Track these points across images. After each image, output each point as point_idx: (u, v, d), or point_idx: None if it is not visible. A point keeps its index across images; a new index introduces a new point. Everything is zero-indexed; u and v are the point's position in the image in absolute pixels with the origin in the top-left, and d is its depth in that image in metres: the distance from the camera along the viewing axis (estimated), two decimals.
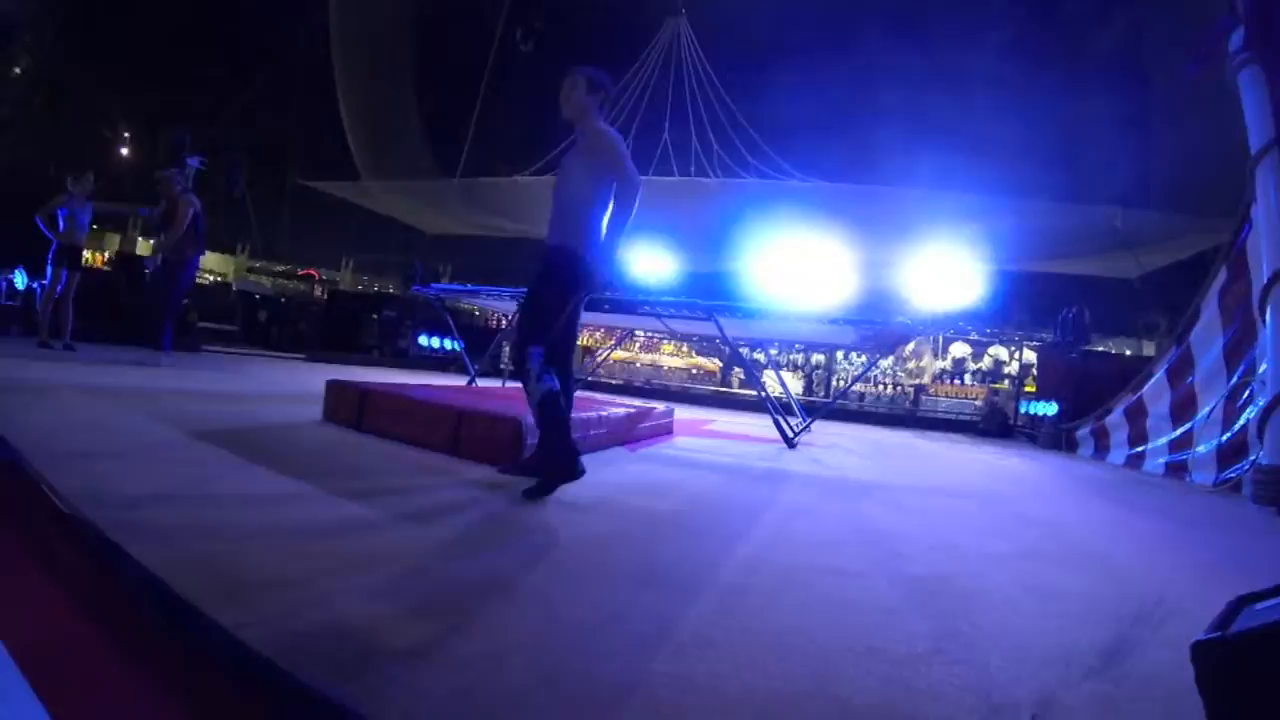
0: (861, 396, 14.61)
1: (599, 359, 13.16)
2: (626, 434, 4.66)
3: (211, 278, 23.22)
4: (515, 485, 2.75)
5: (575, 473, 2.59)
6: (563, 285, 2.76)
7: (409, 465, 3.02)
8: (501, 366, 10.38)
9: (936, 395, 14.57)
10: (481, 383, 7.45)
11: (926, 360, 15.70)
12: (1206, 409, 5.93)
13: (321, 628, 1.24)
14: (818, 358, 16.17)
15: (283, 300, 16.19)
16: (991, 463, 6.61)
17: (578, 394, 7.89)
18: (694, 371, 16.02)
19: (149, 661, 0.60)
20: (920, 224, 12.00)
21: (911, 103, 15.77)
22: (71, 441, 2.56)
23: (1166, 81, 12.13)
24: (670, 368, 15.93)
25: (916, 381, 15.22)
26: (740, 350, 9.11)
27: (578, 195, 2.79)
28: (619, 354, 14.14)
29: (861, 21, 15.99)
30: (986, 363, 15.83)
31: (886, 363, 14.83)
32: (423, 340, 13.58)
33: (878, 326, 6.90)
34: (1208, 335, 6.22)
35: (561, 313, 2.75)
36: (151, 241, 12.98)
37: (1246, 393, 5.44)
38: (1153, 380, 6.98)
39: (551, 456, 2.61)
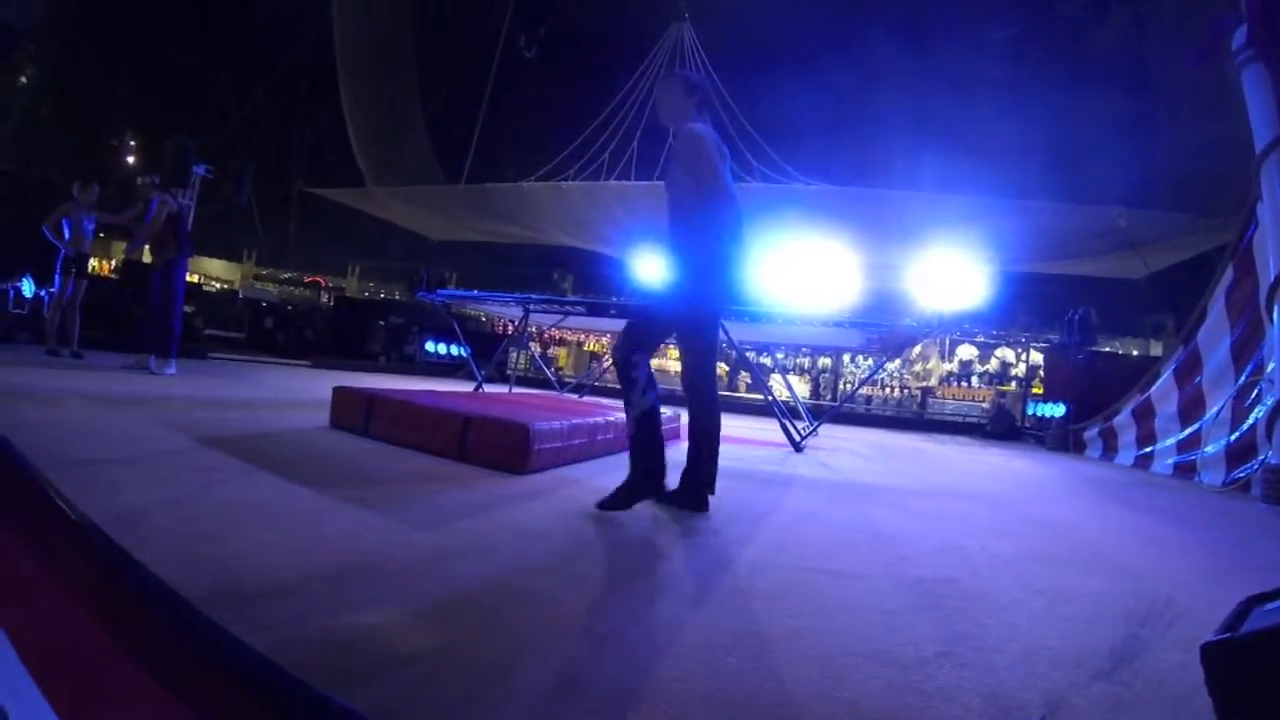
0: (868, 400, 14.55)
1: (605, 364, 13.16)
2: None
3: (218, 285, 23.35)
4: (519, 492, 2.75)
5: (662, 488, 2.55)
6: (664, 313, 2.73)
7: (416, 471, 3.03)
8: (508, 372, 10.39)
9: (943, 398, 14.53)
10: (489, 388, 7.46)
11: (933, 363, 15.64)
12: (1215, 409, 5.90)
13: (329, 634, 1.25)
14: (824, 361, 16.13)
15: (289, 307, 16.22)
16: (999, 465, 6.58)
17: (585, 398, 7.92)
18: None
19: (156, 665, 0.60)
20: (926, 226, 12.00)
21: (915, 106, 15.79)
22: (79, 448, 2.58)
23: (1170, 80, 12.12)
24: (676, 372, 15.89)
25: (923, 384, 15.16)
26: (746, 354, 9.10)
27: (671, 205, 2.71)
28: None
29: (865, 26, 16.01)
30: (993, 365, 15.77)
31: (893, 366, 14.79)
32: (429, 346, 13.60)
33: (884, 329, 6.89)
34: (1215, 335, 6.19)
35: (660, 335, 2.74)
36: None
37: (1255, 392, 5.42)
38: (1160, 381, 6.95)
39: (645, 469, 2.52)
